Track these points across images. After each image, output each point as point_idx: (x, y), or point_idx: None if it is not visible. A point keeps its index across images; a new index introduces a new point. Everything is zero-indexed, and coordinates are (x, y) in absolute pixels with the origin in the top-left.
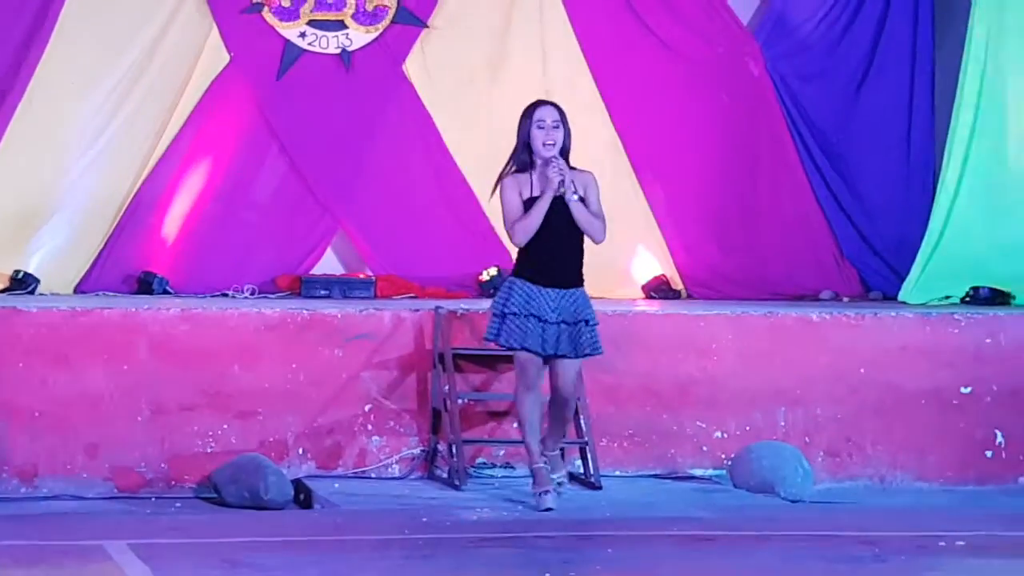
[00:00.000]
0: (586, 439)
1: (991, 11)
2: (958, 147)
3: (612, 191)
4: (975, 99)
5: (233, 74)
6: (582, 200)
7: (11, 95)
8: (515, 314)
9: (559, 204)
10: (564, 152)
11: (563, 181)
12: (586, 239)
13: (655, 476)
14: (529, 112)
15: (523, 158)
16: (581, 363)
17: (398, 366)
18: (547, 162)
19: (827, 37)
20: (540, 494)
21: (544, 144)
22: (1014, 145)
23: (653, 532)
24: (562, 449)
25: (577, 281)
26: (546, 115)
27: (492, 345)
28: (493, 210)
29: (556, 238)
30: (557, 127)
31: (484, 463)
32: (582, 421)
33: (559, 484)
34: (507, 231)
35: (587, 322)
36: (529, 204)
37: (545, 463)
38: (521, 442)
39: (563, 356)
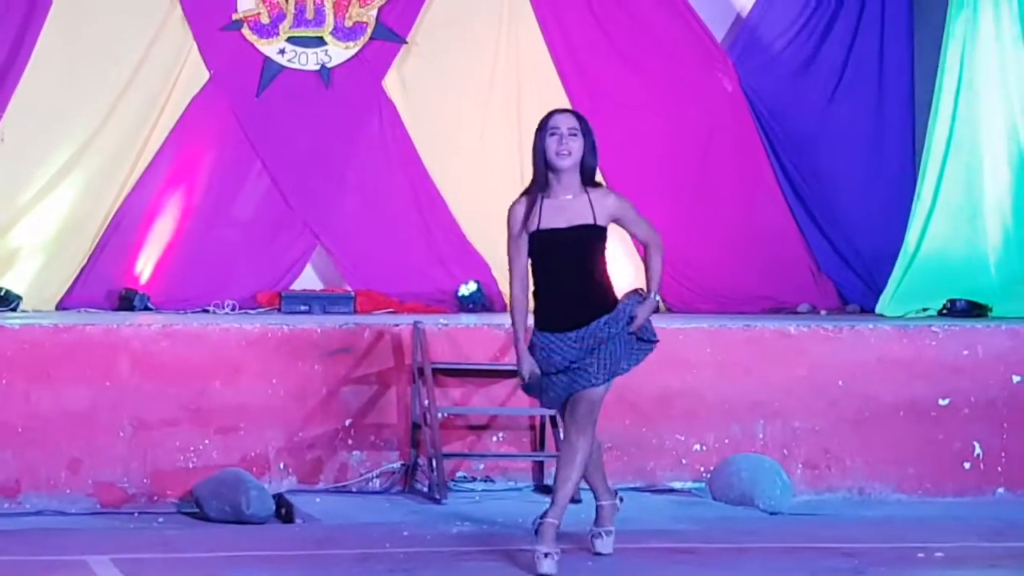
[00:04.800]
0: None
1: (966, 26)
2: (934, 161)
3: None
4: (951, 114)
5: (213, 91)
6: (639, 298)
7: None
8: (545, 373)
9: (557, 235)
10: (589, 170)
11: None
12: (599, 263)
13: (635, 489)
14: (543, 122)
15: (541, 177)
16: (598, 392)
17: (378, 381)
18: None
19: (800, 52)
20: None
21: (558, 153)
22: (989, 159)
23: (633, 545)
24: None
25: (597, 314)
26: (560, 122)
27: (471, 359)
28: (470, 225)
29: (561, 275)
30: (575, 135)
31: (464, 477)
32: (561, 435)
33: (602, 535)
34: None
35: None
36: (537, 237)
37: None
38: (499, 455)
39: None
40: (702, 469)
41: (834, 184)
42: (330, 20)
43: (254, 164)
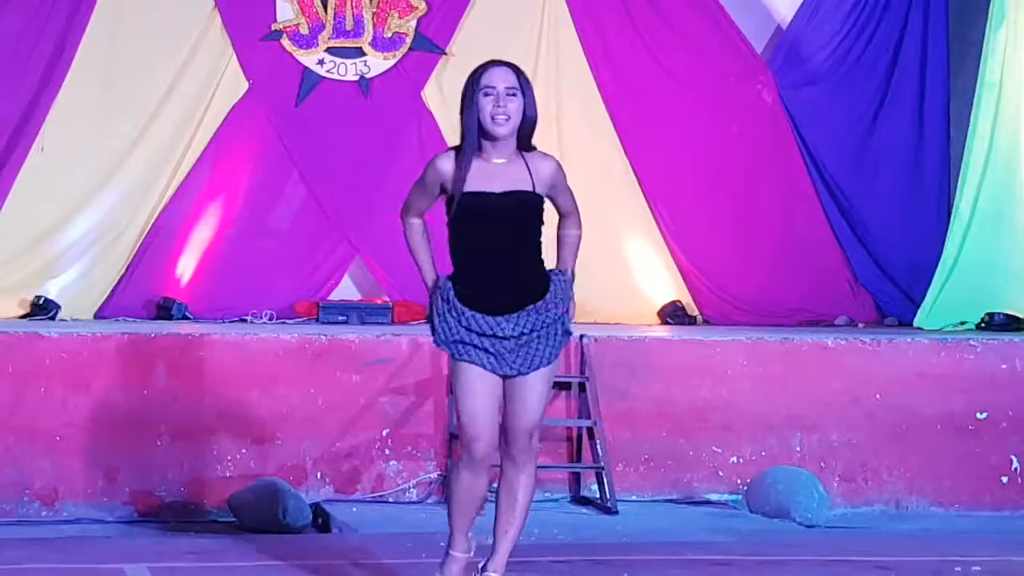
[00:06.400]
0: (602, 464)
1: (1005, 39)
2: (973, 173)
3: (625, 217)
4: (989, 127)
5: (252, 101)
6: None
7: (32, 122)
8: (457, 341)
9: (489, 200)
10: (527, 129)
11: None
12: (536, 239)
13: (671, 501)
14: (476, 77)
15: (472, 137)
16: (546, 386)
17: (415, 391)
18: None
19: (841, 65)
20: None
21: (494, 118)
22: None
23: (669, 557)
24: None
25: (530, 299)
26: (497, 79)
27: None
28: None
29: (492, 249)
30: (514, 95)
31: None
32: (598, 446)
33: None
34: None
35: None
36: (464, 201)
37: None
38: (541, 466)
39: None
40: (739, 481)
41: (873, 196)
42: (369, 31)
43: (292, 174)
